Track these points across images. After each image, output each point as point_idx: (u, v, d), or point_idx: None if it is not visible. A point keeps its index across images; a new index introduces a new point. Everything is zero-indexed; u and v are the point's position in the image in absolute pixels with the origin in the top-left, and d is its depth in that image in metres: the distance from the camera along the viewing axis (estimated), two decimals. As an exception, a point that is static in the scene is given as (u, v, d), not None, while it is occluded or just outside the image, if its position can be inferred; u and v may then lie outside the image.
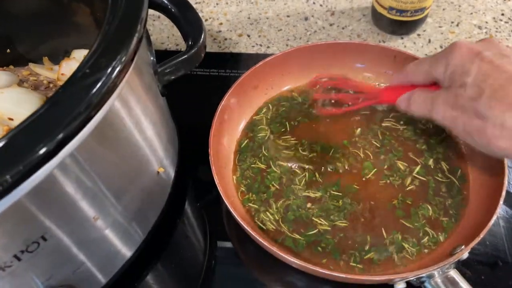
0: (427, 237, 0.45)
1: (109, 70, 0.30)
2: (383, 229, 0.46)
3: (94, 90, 0.29)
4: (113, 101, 0.32)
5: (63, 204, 0.33)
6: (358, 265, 0.44)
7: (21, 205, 0.29)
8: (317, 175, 0.50)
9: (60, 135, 0.28)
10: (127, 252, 0.44)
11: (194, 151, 0.54)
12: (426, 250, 0.44)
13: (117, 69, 0.30)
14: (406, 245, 0.45)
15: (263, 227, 0.47)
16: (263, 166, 0.51)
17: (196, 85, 0.63)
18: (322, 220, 0.47)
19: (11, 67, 0.52)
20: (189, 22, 0.47)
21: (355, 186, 0.49)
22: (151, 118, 0.41)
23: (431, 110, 0.40)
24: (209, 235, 0.52)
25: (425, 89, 0.42)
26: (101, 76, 0.30)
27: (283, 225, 0.47)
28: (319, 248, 0.45)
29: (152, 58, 0.42)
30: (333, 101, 0.55)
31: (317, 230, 0.46)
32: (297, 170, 0.50)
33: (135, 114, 0.38)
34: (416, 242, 0.45)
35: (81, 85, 0.29)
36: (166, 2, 0.48)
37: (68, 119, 0.28)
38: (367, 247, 0.45)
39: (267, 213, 0.48)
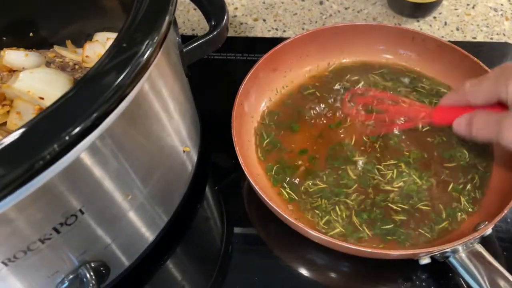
0: (453, 213, 0.46)
1: (143, 47, 0.31)
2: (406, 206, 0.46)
3: (129, 67, 0.30)
4: (143, 83, 0.33)
5: (94, 183, 0.34)
6: (382, 240, 0.44)
7: (57, 181, 0.30)
8: (339, 154, 0.50)
9: (93, 116, 0.28)
10: (150, 236, 0.45)
11: (215, 134, 0.55)
12: (450, 227, 0.45)
13: (149, 51, 0.31)
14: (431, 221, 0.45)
15: (286, 203, 0.48)
16: (284, 147, 0.52)
17: (214, 69, 0.64)
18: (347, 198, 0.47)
19: (34, 50, 0.52)
20: (211, 3, 0.47)
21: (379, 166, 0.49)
22: (177, 98, 0.42)
23: (498, 134, 0.37)
24: (227, 219, 0.52)
25: (487, 111, 0.39)
26: (136, 52, 0.30)
27: (306, 198, 0.47)
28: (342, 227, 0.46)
29: (178, 39, 0.42)
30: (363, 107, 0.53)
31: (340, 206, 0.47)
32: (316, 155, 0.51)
33: (163, 94, 0.38)
34: (442, 218, 0.45)
35: (111, 68, 0.30)
36: (188, -17, 0.48)
37: (99, 101, 0.28)
38: (391, 224, 0.45)
39: (289, 190, 0.48)
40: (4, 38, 0.52)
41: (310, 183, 0.49)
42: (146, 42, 0.31)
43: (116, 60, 0.30)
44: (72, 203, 0.33)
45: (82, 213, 0.33)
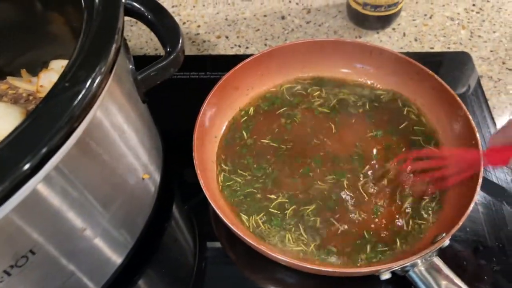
0: (410, 228, 0.47)
1: (89, 82, 0.30)
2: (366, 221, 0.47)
3: (75, 102, 0.29)
4: (94, 112, 0.33)
5: (50, 217, 0.34)
6: (341, 259, 0.45)
7: (7, 221, 0.30)
8: (296, 176, 0.51)
9: (44, 149, 0.28)
10: (117, 259, 0.45)
11: (179, 154, 0.55)
12: (410, 241, 0.46)
13: (97, 80, 0.31)
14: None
15: (248, 227, 0.48)
16: (244, 171, 0.52)
17: (177, 89, 0.64)
18: (307, 216, 0.48)
19: (-11, 80, 0.51)
20: (166, 28, 0.47)
21: (341, 179, 0.50)
22: (133, 125, 0.42)
23: None
24: (198, 236, 0.52)
25: None
26: (81, 89, 0.30)
27: (264, 225, 0.48)
28: (305, 245, 0.46)
29: (131, 66, 0.42)
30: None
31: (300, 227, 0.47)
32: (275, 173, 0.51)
33: (117, 123, 0.38)
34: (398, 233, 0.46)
35: (61, 99, 0.30)
36: (142, 9, 0.48)
37: (51, 133, 0.29)
38: (352, 241, 0.46)
39: (253, 214, 0.49)
40: (-43, 68, 0.51)
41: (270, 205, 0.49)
42: (93, 74, 0.31)
43: (62, 95, 0.30)
44: (24, 242, 0.32)
45: (33, 253, 0.33)
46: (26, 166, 0.28)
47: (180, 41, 0.46)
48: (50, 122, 0.29)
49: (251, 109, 0.58)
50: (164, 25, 0.47)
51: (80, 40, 0.34)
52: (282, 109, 0.57)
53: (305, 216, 0.47)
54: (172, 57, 0.45)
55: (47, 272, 0.36)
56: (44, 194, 0.32)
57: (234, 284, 0.48)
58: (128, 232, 0.45)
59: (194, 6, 0.75)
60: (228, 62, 0.66)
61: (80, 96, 0.30)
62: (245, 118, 0.57)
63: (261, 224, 0.48)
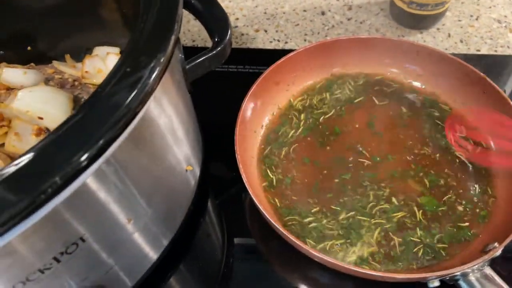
0: (458, 235, 0.45)
1: (150, 68, 0.30)
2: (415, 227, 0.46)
3: (135, 91, 0.29)
4: (150, 102, 0.32)
5: (99, 208, 0.33)
6: (389, 263, 0.43)
7: (61, 209, 0.29)
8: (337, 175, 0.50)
9: (101, 141, 0.27)
10: (153, 255, 0.44)
11: (216, 148, 0.54)
12: (458, 250, 0.44)
13: (158, 68, 0.30)
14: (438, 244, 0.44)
15: (287, 222, 0.47)
16: (286, 163, 0.51)
17: (215, 82, 0.62)
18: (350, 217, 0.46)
19: (32, 64, 0.51)
20: (215, 19, 0.46)
21: (382, 185, 0.48)
22: (181, 116, 0.41)
23: None
24: (228, 233, 0.52)
25: None
26: (143, 75, 0.29)
27: (306, 219, 0.47)
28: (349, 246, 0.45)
29: (181, 56, 0.41)
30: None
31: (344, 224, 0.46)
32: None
33: (167, 113, 0.37)
34: (448, 240, 0.45)
35: (120, 86, 0.29)
36: (191, -2, 0.47)
37: (111, 122, 0.28)
38: (397, 245, 0.44)
39: (290, 208, 0.48)
40: (2, 52, 0.51)
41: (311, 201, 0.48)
42: (152, 65, 0.30)
43: (122, 83, 0.29)
44: (74, 230, 0.31)
45: (83, 240, 0.32)
46: (83, 158, 0.26)
47: (229, 32, 0.45)
48: (105, 115, 0.28)
49: (292, 105, 0.56)
50: (213, 15, 0.47)
51: (138, 27, 0.33)
52: (322, 106, 0.56)
53: (350, 222, 0.46)
54: (220, 48, 0.44)
55: (92, 261, 0.35)
56: (95, 185, 0.31)
57: (262, 280, 0.47)
58: (167, 228, 0.45)
59: (232, -1, 0.74)
60: (266, 56, 0.66)
61: (140, 84, 0.29)
62: (286, 113, 0.56)
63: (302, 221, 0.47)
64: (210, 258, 0.50)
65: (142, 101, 0.29)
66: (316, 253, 0.40)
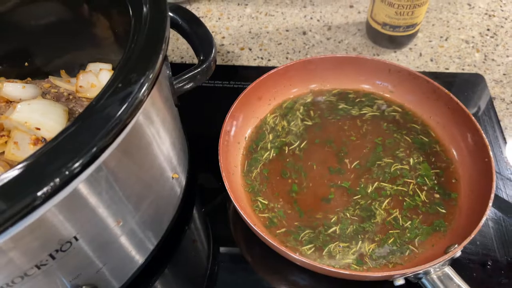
0: (423, 237, 0.49)
1: (139, 84, 0.33)
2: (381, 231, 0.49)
3: (127, 102, 0.32)
4: (139, 114, 0.36)
5: (90, 211, 0.36)
6: (358, 264, 0.47)
7: (55, 211, 0.32)
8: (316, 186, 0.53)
9: (94, 149, 0.30)
10: (139, 259, 0.47)
11: (201, 158, 0.57)
12: (420, 249, 0.48)
13: (146, 84, 0.33)
14: (403, 245, 0.48)
15: (270, 227, 0.50)
16: (266, 173, 0.55)
17: (202, 96, 0.67)
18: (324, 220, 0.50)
19: (29, 79, 0.54)
20: (200, 38, 0.50)
21: (354, 189, 0.52)
22: (168, 128, 0.44)
23: None
24: (214, 239, 0.55)
25: None
26: (133, 90, 0.33)
27: (288, 224, 0.50)
28: (322, 247, 0.48)
29: (168, 72, 0.45)
30: None
31: (316, 230, 0.49)
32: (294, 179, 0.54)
33: (155, 124, 0.41)
34: (411, 242, 0.48)
35: (115, 98, 0.32)
36: (178, 18, 0.51)
37: (103, 133, 0.31)
38: (366, 247, 0.48)
39: (273, 215, 0.51)
40: (0, 67, 0.54)
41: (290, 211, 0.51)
42: (141, 81, 0.33)
43: (114, 97, 0.32)
44: (67, 230, 0.35)
45: (77, 239, 0.35)
46: (76, 165, 0.29)
47: (213, 50, 0.49)
48: (98, 125, 0.31)
49: (272, 119, 0.60)
50: (198, 35, 0.51)
51: (129, 46, 0.37)
52: (301, 119, 0.60)
53: (324, 225, 0.50)
54: (205, 65, 0.48)
55: (83, 260, 0.38)
56: (86, 191, 0.34)
57: (248, 285, 0.50)
58: (153, 233, 0.47)
59: (219, 18, 0.79)
60: (251, 72, 0.70)
61: (132, 96, 0.32)
62: (266, 126, 0.59)
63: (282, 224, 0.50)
64: (195, 264, 0.53)
65: (132, 113, 0.32)
66: (295, 256, 0.44)
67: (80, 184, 0.33)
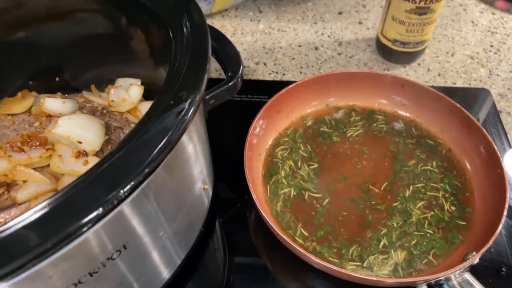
0: (441, 245, 0.51)
1: (189, 102, 0.35)
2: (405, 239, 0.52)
3: (178, 122, 0.34)
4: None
5: (132, 226, 0.38)
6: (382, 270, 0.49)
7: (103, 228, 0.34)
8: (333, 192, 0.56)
9: (146, 170, 0.32)
10: (167, 274, 0.48)
11: (221, 169, 0.59)
12: (440, 258, 0.50)
13: (196, 102, 0.35)
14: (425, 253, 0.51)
15: (292, 235, 0.52)
16: (286, 185, 0.57)
17: (221, 109, 0.68)
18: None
19: (59, 93, 0.56)
20: (228, 55, 0.52)
21: (377, 204, 0.55)
22: (201, 141, 0.46)
23: None
24: (234, 248, 0.56)
25: None
26: (183, 108, 0.35)
27: (311, 235, 0.52)
28: (344, 252, 0.50)
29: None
30: None
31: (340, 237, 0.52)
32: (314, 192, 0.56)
33: (194, 140, 0.43)
34: (431, 250, 0.51)
35: (166, 116, 0.34)
36: (207, 37, 0.53)
37: (154, 154, 0.32)
38: (400, 256, 0.50)
39: (293, 224, 0.53)
40: (31, 82, 0.56)
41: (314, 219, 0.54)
42: (191, 99, 0.35)
43: (165, 115, 0.34)
44: (118, 240, 0.36)
45: (125, 248, 0.37)
46: (128, 186, 0.31)
47: (241, 67, 0.52)
48: (148, 148, 0.32)
49: (291, 132, 0.63)
50: (226, 53, 0.53)
51: (172, 65, 0.39)
52: (320, 133, 0.62)
53: (342, 234, 0.52)
54: (233, 81, 0.51)
55: (127, 268, 0.40)
56: (127, 211, 0.35)
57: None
58: (183, 245, 0.49)
59: (233, 34, 0.81)
60: (267, 87, 0.72)
61: (182, 114, 0.35)
62: (286, 139, 0.62)
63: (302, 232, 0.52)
64: (217, 273, 0.54)
65: (183, 131, 0.34)
66: (317, 260, 0.46)
67: (126, 204, 0.34)
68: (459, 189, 0.56)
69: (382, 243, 0.51)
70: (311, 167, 0.59)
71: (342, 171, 0.58)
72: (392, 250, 0.51)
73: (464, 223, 0.53)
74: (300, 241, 0.52)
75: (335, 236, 0.52)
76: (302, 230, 0.53)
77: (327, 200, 0.55)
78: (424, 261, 0.50)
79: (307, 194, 0.56)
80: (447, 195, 0.55)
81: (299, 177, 0.58)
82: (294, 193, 0.56)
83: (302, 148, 0.61)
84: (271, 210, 0.55)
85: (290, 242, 0.47)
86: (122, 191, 0.31)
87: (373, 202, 0.55)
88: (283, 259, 0.53)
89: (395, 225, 0.53)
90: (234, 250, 0.56)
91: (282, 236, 0.48)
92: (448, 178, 0.57)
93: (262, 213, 0.50)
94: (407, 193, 0.56)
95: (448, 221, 0.53)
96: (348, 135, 0.62)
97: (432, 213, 0.54)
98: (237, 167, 0.54)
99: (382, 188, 0.56)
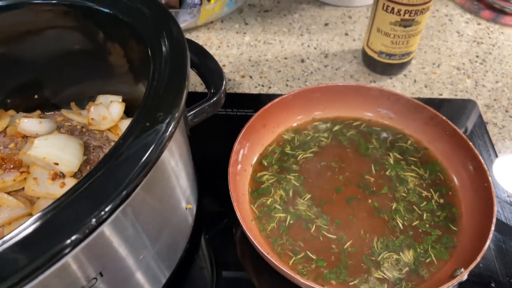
0: (429, 262, 0.50)
1: (166, 123, 0.34)
2: (391, 256, 0.51)
3: (155, 143, 0.33)
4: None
5: (111, 249, 0.36)
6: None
7: (79, 253, 0.33)
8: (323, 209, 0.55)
9: (124, 193, 0.31)
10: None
11: (208, 186, 0.58)
12: (427, 274, 0.49)
13: (173, 122, 0.34)
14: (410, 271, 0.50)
15: (278, 255, 0.51)
16: (272, 201, 0.56)
17: (205, 124, 0.67)
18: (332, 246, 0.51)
19: (39, 111, 0.55)
20: (210, 71, 0.52)
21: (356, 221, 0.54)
22: (184, 160, 0.45)
23: None
24: (219, 266, 0.55)
25: None
26: (160, 129, 0.34)
27: (295, 255, 0.51)
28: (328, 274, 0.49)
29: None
30: None
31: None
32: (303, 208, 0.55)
33: (175, 158, 0.42)
34: (417, 268, 0.50)
35: (142, 138, 0.33)
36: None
37: (131, 176, 0.31)
38: (375, 273, 0.49)
39: (281, 242, 0.52)
40: (9, 100, 0.54)
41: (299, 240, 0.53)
42: (168, 119, 0.34)
43: (142, 136, 0.33)
44: (91, 268, 0.35)
45: (102, 275, 0.36)
46: (109, 207, 0.30)
47: (224, 83, 0.51)
48: (127, 169, 0.31)
49: (276, 146, 0.62)
50: (208, 68, 0.52)
51: (150, 84, 0.38)
52: (305, 146, 0.61)
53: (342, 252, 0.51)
54: (216, 97, 0.50)
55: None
56: (108, 233, 0.34)
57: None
58: (167, 265, 0.48)
59: (219, 47, 0.80)
60: (253, 100, 0.72)
61: (160, 135, 0.33)
62: (271, 154, 0.61)
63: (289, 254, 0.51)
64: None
65: (160, 151, 0.33)
66: (306, 282, 0.45)
67: (105, 226, 0.33)
68: (446, 203, 0.55)
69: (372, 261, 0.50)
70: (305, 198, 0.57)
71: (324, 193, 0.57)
72: (379, 271, 0.50)
73: (451, 238, 0.52)
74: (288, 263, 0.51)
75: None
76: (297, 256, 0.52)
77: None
78: (408, 280, 0.49)
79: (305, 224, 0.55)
80: (433, 209, 0.55)
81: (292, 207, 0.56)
82: (291, 221, 0.55)
83: (288, 162, 0.60)
84: (259, 228, 0.54)
85: (276, 263, 0.46)
86: (100, 214, 0.30)
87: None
88: (269, 279, 0.52)
89: (379, 244, 0.52)
90: (221, 266, 0.55)
91: (267, 255, 0.47)
92: (435, 191, 0.56)
93: (247, 232, 0.49)
94: (393, 207, 0.55)
95: (435, 236, 0.52)
96: (333, 147, 0.61)
97: (419, 229, 0.53)
98: (223, 182, 0.53)
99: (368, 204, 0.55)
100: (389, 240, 0.52)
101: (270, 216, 0.54)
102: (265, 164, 0.60)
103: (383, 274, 0.49)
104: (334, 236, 0.52)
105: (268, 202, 0.56)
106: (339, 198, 0.56)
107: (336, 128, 0.64)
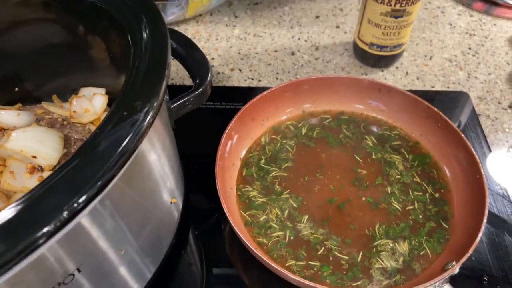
0: (421, 255, 0.49)
1: (144, 113, 0.33)
2: (381, 250, 0.50)
3: (132, 133, 0.32)
4: (143, 142, 0.35)
5: (92, 242, 0.35)
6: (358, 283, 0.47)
7: (57, 246, 0.31)
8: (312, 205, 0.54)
9: (99, 183, 0.29)
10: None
11: (194, 180, 0.57)
12: (419, 268, 0.48)
13: (151, 112, 0.33)
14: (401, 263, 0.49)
15: (265, 249, 0.50)
16: (260, 196, 0.55)
17: (194, 117, 0.66)
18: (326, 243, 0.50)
19: (19, 105, 0.53)
20: (196, 62, 0.50)
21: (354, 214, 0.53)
22: (167, 152, 0.44)
23: None
24: (208, 262, 0.54)
25: None
26: (138, 118, 0.32)
27: (284, 249, 0.50)
28: (318, 270, 0.48)
29: (166, 97, 0.45)
30: None
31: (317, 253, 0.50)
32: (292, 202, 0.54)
33: (156, 150, 0.40)
34: (411, 260, 0.49)
35: (119, 128, 0.32)
36: (172, 42, 0.51)
37: (107, 166, 0.30)
38: (364, 266, 0.48)
39: (268, 236, 0.51)
40: (-12, 93, 0.53)
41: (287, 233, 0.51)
42: (146, 108, 0.33)
43: (119, 126, 0.32)
44: (70, 263, 0.34)
45: (79, 271, 0.34)
46: (83, 198, 0.29)
47: (209, 74, 0.49)
48: (103, 158, 0.30)
49: (265, 139, 0.61)
50: (193, 59, 0.51)
51: (130, 73, 0.37)
52: (294, 139, 0.60)
53: (322, 245, 0.50)
54: (201, 89, 0.48)
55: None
56: (87, 224, 0.33)
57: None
58: (152, 260, 0.46)
59: (208, 40, 0.79)
60: (242, 93, 0.70)
61: (137, 125, 0.32)
62: (260, 147, 0.60)
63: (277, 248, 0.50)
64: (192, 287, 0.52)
65: (138, 142, 0.32)
66: (294, 277, 0.44)
67: (82, 218, 0.32)
68: (438, 195, 0.54)
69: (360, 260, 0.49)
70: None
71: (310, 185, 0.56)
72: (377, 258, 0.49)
73: (443, 231, 0.51)
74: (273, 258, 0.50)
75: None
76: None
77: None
78: (400, 273, 0.48)
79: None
80: (425, 202, 0.54)
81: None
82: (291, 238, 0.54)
83: (277, 156, 0.59)
84: (245, 222, 0.53)
85: (264, 257, 0.45)
86: (74, 206, 0.28)
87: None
88: (259, 274, 0.51)
89: (381, 230, 0.51)
90: (211, 262, 0.54)
91: (254, 250, 0.45)
92: (427, 184, 0.55)
93: (234, 226, 0.47)
94: (388, 191, 0.54)
95: (424, 226, 0.51)
96: (322, 140, 0.60)
97: (411, 221, 0.52)
98: (211, 177, 0.52)
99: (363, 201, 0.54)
100: (391, 227, 0.51)
101: (266, 234, 0.52)
102: (253, 159, 0.59)
103: (382, 263, 0.48)
104: (347, 257, 0.50)
105: (261, 219, 0.53)
106: (334, 210, 0.54)
107: (304, 130, 0.62)
